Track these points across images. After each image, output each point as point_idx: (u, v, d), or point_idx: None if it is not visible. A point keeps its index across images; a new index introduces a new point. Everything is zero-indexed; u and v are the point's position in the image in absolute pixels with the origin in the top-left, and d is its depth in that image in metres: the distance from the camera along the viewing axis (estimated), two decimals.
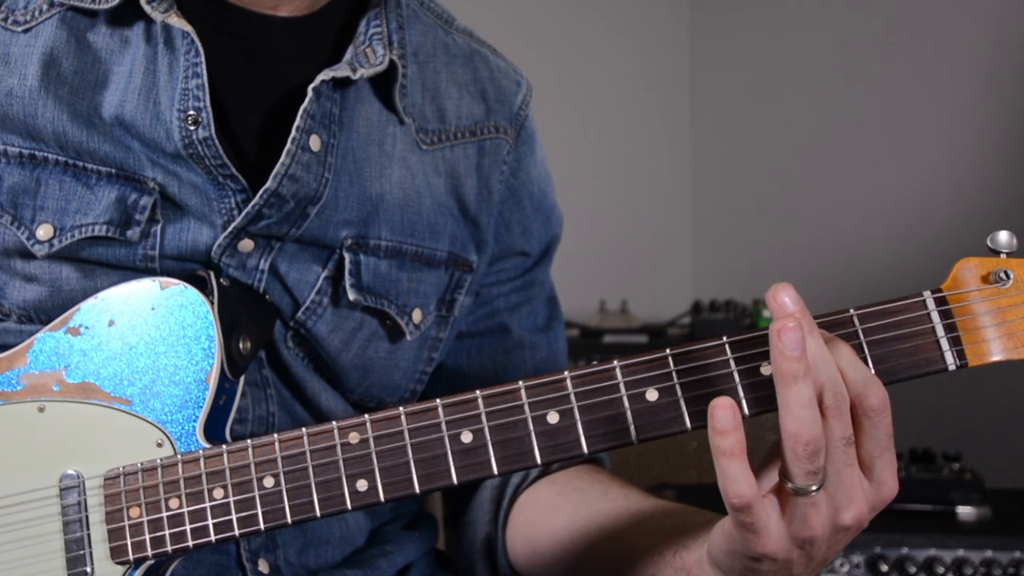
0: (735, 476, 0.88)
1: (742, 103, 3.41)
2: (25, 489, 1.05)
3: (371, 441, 1.00)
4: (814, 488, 0.89)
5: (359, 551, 1.30)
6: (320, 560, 1.25)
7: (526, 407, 0.97)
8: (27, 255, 1.12)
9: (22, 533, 1.05)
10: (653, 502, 1.18)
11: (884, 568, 2.05)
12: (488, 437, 0.98)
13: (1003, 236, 0.94)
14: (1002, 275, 0.94)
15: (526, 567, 1.29)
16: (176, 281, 1.07)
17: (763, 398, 0.94)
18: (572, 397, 0.97)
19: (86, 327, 1.07)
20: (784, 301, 0.88)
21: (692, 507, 1.14)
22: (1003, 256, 0.94)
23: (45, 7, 1.15)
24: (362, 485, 0.99)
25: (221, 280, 1.11)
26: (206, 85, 1.12)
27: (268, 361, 1.20)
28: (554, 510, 1.24)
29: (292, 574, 1.22)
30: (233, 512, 1.02)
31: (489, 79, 1.34)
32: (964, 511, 2.14)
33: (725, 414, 0.87)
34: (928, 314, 0.94)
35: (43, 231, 1.11)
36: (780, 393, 0.87)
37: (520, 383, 0.98)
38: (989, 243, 0.94)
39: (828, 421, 0.88)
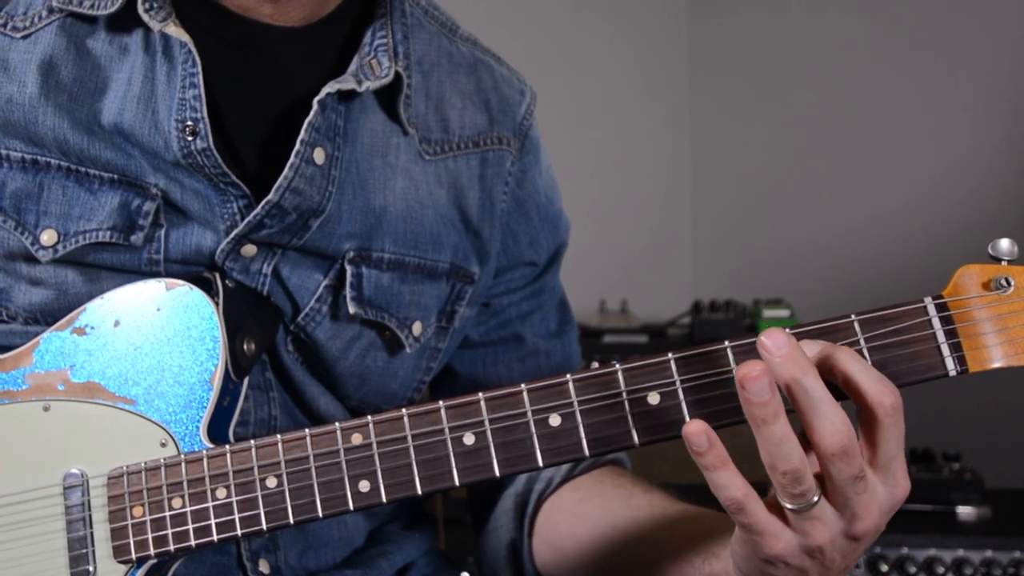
0: (723, 484, 0.90)
1: (742, 104, 3.41)
2: (29, 487, 1.06)
3: (374, 442, 1.00)
4: (815, 499, 0.90)
5: (359, 551, 1.30)
6: (320, 561, 1.25)
7: (528, 410, 0.98)
8: (31, 259, 1.12)
9: (25, 531, 1.05)
10: (678, 507, 1.19)
11: (884, 568, 2.06)
12: (490, 439, 0.98)
13: (1004, 243, 0.94)
14: (1003, 282, 0.94)
15: (553, 573, 1.29)
16: (182, 282, 1.08)
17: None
18: (574, 401, 0.97)
19: (92, 327, 1.08)
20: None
21: (716, 512, 1.13)
22: (1004, 263, 0.95)
23: (44, 13, 1.15)
24: (364, 486, 1.00)
25: (226, 282, 1.11)
26: (203, 96, 1.11)
27: (270, 364, 1.20)
28: (578, 517, 1.25)
29: (292, 575, 1.22)
30: (236, 512, 1.02)
31: (493, 89, 1.33)
32: (964, 511, 2.15)
33: (699, 440, 0.89)
34: (929, 320, 0.94)
35: (47, 236, 1.12)
36: (754, 431, 0.89)
37: (522, 386, 0.98)
38: (990, 250, 0.94)
39: (836, 463, 0.88)
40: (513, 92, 1.35)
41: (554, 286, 1.42)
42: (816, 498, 0.90)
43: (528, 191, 1.35)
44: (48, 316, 1.12)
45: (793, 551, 0.93)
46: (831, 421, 0.88)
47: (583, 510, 1.25)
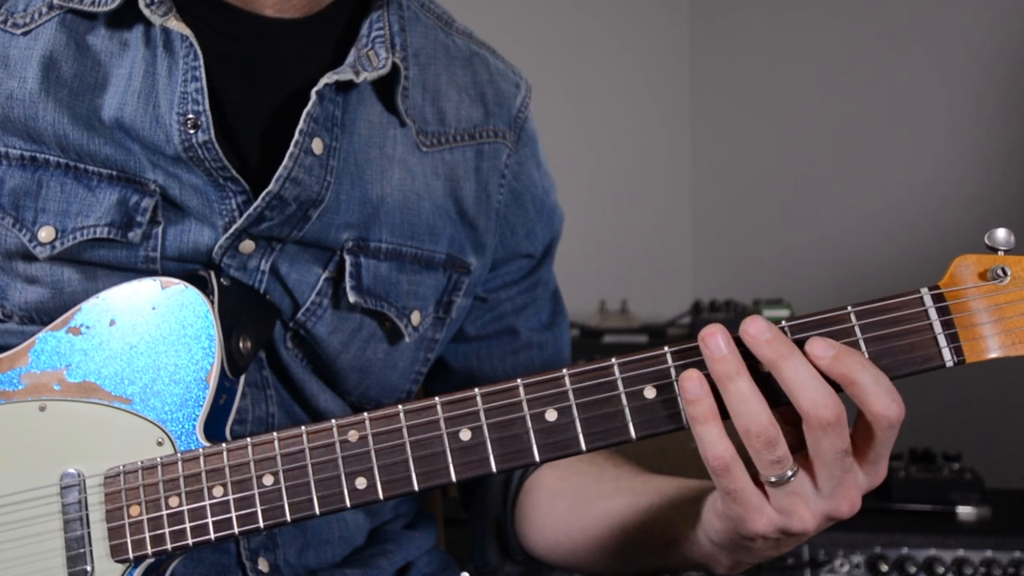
0: (711, 441, 0.92)
1: (742, 103, 3.41)
2: (26, 488, 1.06)
3: (370, 439, 1.00)
4: (790, 474, 0.92)
5: (359, 550, 1.30)
6: (320, 559, 1.25)
7: (524, 405, 0.98)
8: (29, 257, 1.13)
9: (22, 531, 1.05)
10: (643, 480, 1.21)
11: (884, 568, 2.05)
12: (487, 435, 0.98)
13: (1001, 233, 0.94)
14: (999, 272, 0.94)
15: (535, 549, 1.31)
16: (177, 281, 1.08)
17: (764, 394, 0.94)
18: (570, 395, 0.97)
19: (87, 327, 1.08)
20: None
21: (680, 480, 1.17)
22: (1001, 253, 0.95)
23: (45, 9, 1.15)
24: (361, 483, 1.00)
25: (222, 280, 1.11)
26: (205, 89, 1.12)
27: (268, 362, 1.20)
28: (554, 495, 1.27)
29: (292, 573, 1.22)
30: (233, 510, 1.02)
31: (488, 82, 1.34)
32: (964, 511, 2.15)
33: (693, 384, 0.92)
34: (926, 311, 0.94)
35: (44, 233, 1.12)
36: (722, 393, 0.92)
37: (518, 381, 0.98)
38: (987, 240, 0.94)
39: (829, 435, 0.90)
40: (509, 85, 1.36)
41: (548, 279, 1.43)
42: (791, 472, 0.92)
43: (524, 184, 1.36)
44: (44, 315, 1.12)
45: (773, 530, 0.95)
46: (823, 394, 0.90)
47: (559, 488, 1.27)
